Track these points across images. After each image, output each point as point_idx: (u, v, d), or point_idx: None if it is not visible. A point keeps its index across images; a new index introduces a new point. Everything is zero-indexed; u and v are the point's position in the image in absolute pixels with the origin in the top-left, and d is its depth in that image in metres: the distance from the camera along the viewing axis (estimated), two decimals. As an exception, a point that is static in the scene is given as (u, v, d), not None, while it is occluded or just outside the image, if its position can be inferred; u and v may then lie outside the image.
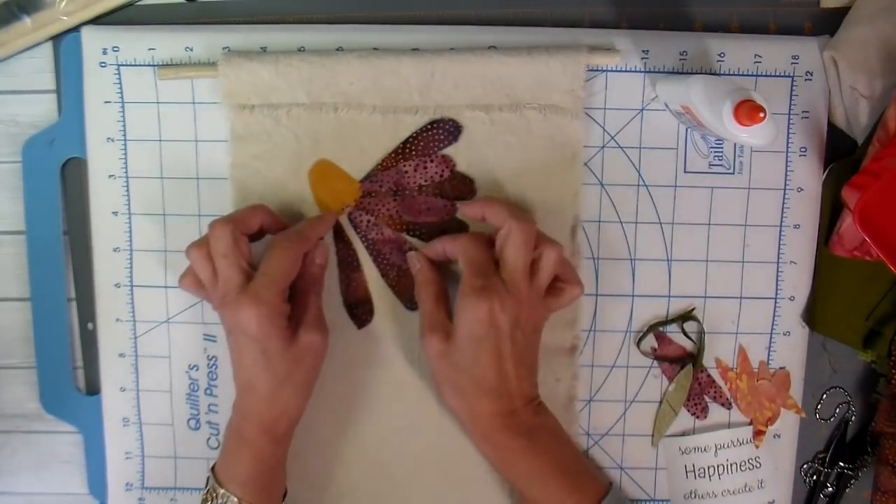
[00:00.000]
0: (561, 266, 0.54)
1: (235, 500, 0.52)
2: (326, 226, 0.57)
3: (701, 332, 0.60)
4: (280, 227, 0.55)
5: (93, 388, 0.62)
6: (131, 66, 0.57)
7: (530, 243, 0.52)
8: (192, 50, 0.57)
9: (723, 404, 0.60)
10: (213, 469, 0.54)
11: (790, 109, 0.58)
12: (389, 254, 0.58)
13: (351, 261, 0.58)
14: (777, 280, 0.59)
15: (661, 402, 0.60)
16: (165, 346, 0.60)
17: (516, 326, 0.51)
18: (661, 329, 0.60)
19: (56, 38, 0.58)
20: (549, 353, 0.58)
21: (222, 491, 0.52)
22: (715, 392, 0.60)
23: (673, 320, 0.59)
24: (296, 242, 0.53)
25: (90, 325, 0.61)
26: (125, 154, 0.58)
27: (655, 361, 0.60)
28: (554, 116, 0.56)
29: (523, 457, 0.53)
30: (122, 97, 0.57)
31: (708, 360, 0.60)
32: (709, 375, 0.60)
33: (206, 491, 0.53)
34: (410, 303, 0.59)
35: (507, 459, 0.54)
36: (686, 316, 0.59)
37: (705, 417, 0.60)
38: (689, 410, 0.60)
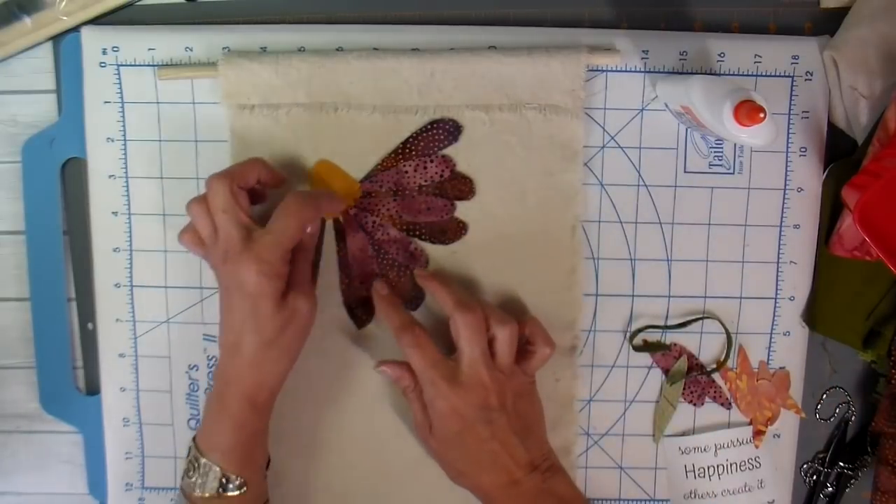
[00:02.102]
0: (530, 332, 0.55)
1: (218, 469, 0.51)
2: (338, 206, 0.57)
3: (727, 333, 0.60)
4: (278, 180, 0.55)
5: (93, 388, 0.62)
6: (131, 66, 0.57)
7: (479, 331, 0.53)
8: (192, 50, 0.57)
9: (723, 404, 0.60)
10: (194, 438, 0.53)
11: (790, 109, 0.58)
12: (395, 254, 0.58)
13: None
14: (777, 280, 0.59)
15: (658, 398, 0.60)
16: (165, 346, 0.60)
17: (488, 409, 0.52)
18: (660, 332, 0.60)
19: (56, 38, 0.58)
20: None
21: (204, 461, 0.51)
22: (715, 392, 0.60)
23: (682, 324, 0.59)
24: (306, 208, 0.52)
25: (90, 325, 0.61)
26: (125, 154, 0.58)
27: (650, 356, 0.60)
28: (554, 116, 0.56)
29: None
30: (121, 97, 0.57)
31: (706, 360, 0.60)
32: (709, 375, 0.60)
33: (188, 460, 0.53)
34: (410, 303, 0.59)
35: None
36: (685, 323, 0.60)
37: (702, 404, 0.60)
38: (686, 399, 0.60)
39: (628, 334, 0.60)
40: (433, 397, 0.53)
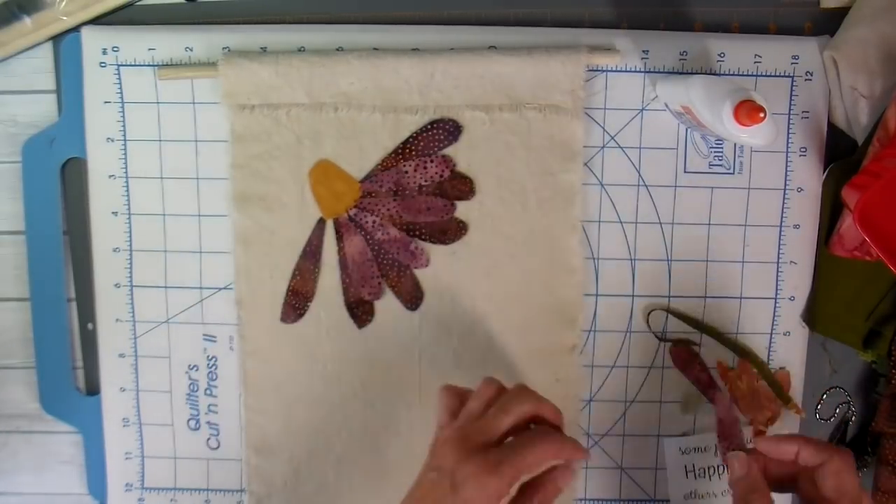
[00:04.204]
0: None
1: None
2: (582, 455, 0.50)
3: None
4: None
5: (93, 389, 0.62)
6: (131, 66, 0.57)
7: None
8: (192, 50, 0.57)
9: (723, 404, 0.61)
10: None
11: (790, 109, 0.58)
12: (396, 254, 0.58)
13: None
14: (777, 280, 0.59)
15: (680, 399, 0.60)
16: (165, 346, 0.60)
17: None
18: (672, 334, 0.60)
19: (56, 38, 0.58)
20: (549, 353, 0.58)
21: None
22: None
23: (686, 321, 0.60)
24: (558, 450, 0.48)
25: (90, 325, 0.61)
26: (125, 154, 0.58)
27: (660, 343, 0.60)
28: (554, 116, 0.56)
29: None
30: (122, 97, 0.57)
31: (708, 360, 0.60)
32: (709, 375, 0.60)
33: None
34: (410, 303, 0.59)
35: None
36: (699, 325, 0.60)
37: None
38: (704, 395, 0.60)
39: (631, 335, 0.59)
40: None
